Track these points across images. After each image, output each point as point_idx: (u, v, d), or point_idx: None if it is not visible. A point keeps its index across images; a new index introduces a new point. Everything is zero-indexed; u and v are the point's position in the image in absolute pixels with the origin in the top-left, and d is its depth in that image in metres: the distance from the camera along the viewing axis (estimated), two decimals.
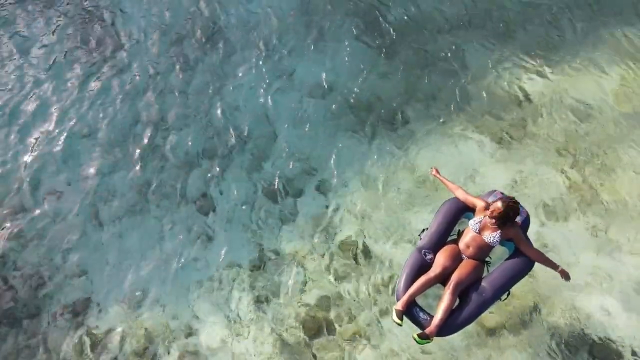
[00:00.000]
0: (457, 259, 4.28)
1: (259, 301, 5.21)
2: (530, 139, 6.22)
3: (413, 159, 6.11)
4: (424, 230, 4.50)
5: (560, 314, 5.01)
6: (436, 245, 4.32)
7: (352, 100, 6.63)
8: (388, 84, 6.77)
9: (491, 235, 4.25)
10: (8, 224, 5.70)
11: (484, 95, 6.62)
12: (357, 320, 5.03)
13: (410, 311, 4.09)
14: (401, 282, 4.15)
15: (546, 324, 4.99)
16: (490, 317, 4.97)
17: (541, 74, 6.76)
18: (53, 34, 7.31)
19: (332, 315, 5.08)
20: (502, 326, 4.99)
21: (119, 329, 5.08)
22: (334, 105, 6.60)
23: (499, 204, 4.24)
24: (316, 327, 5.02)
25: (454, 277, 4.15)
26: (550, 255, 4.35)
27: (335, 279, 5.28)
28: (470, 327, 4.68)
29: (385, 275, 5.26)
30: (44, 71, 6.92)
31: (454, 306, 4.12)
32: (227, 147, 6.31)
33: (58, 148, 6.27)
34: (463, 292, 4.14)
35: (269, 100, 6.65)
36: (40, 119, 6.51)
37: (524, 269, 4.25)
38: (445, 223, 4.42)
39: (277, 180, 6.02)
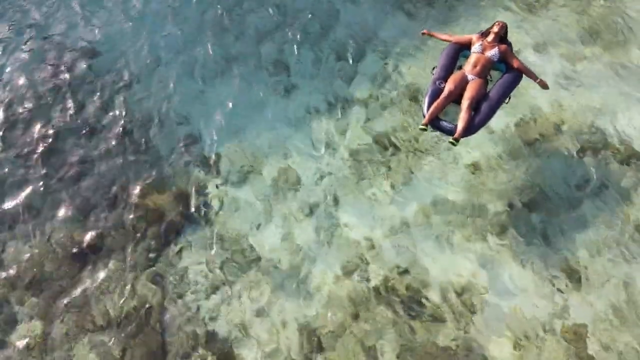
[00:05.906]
0: (462, 82, 5.49)
1: (336, 132, 6.56)
2: None
3: (454, 26, 7.37)
4: (434, 67, 5.80)
5: (573, 121, 6.31)
6: (445, 75, 5.60)
7: None
8: None
9: (491, 52, 5.58)
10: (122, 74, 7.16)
11: None
12: (418, 139, 6.37)
13: (439, 125, 5.39)
14: (424, 106, 5.48)
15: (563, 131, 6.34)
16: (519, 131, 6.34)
17: None
18: None
19: (398, 136, 6.42)
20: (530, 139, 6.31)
21: (224, 155, 6.46)
22: None
23: (498, 22, 5.73)
24: (384, 144, 6.42)
25: (466, 96, 5.38)
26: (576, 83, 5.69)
27: (400, 113, 6.62)
28: (510, 139, 6.20)
29: None
30: None
31: (471, 115, 5.38)
32: (293, 24, 7.57)
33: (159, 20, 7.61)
34: (476, 104, 5.41)
35: None
36: None
37: (516, 79, 5.60)
38: (449, 60, 5.75)
39: (341, 46, 7.29)
